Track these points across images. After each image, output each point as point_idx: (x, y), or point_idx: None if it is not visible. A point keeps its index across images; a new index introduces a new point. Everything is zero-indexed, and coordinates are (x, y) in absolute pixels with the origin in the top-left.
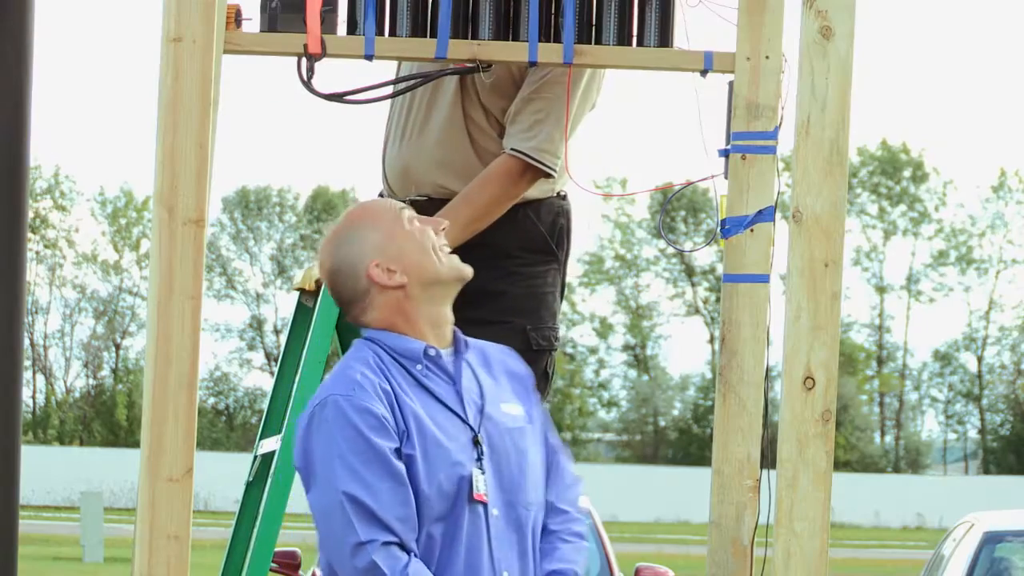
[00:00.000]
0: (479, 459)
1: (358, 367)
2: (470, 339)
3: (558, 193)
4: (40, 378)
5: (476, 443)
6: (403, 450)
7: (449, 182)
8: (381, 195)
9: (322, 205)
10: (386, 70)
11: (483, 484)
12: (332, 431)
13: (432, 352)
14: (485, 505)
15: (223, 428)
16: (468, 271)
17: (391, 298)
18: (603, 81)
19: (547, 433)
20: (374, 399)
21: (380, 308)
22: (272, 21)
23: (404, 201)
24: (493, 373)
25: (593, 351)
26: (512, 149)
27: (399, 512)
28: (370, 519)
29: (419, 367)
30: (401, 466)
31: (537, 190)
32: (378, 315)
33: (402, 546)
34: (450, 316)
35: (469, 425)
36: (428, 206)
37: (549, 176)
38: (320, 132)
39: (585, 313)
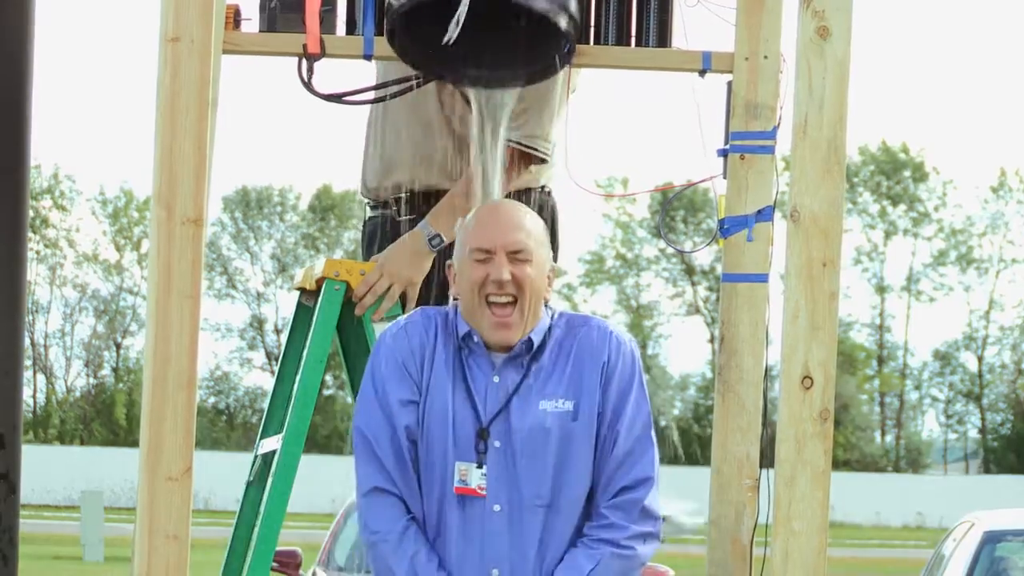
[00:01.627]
0: (482, 452)
1: (419, 314)
2: (576, 321)
3: (542, 187)
4: (40, 378)
5: (481, 436)
6: (419, 404)
7: (431, 176)
8: (367, 204)
9: (325, 204)
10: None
11: (478, 478)
12: (371, 365)
13: (475, 339)
14: (482, 499)
15: (223, 428)
16: (496, 341)
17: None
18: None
19: (613, 429)
20: (405, 348)
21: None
22: (271, 21)
23: (388, 199)
24: (562, 364)
25: None
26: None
27: (397, 463)
28: (372, 458)
29: (464, 350)
30: (407, 419)
31: (521, 181)
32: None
33: (401, 500)
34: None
35: (479, 418)
36: (411, 200)
37: (543, 161)
38: (321, 132)
39: (586, 313)
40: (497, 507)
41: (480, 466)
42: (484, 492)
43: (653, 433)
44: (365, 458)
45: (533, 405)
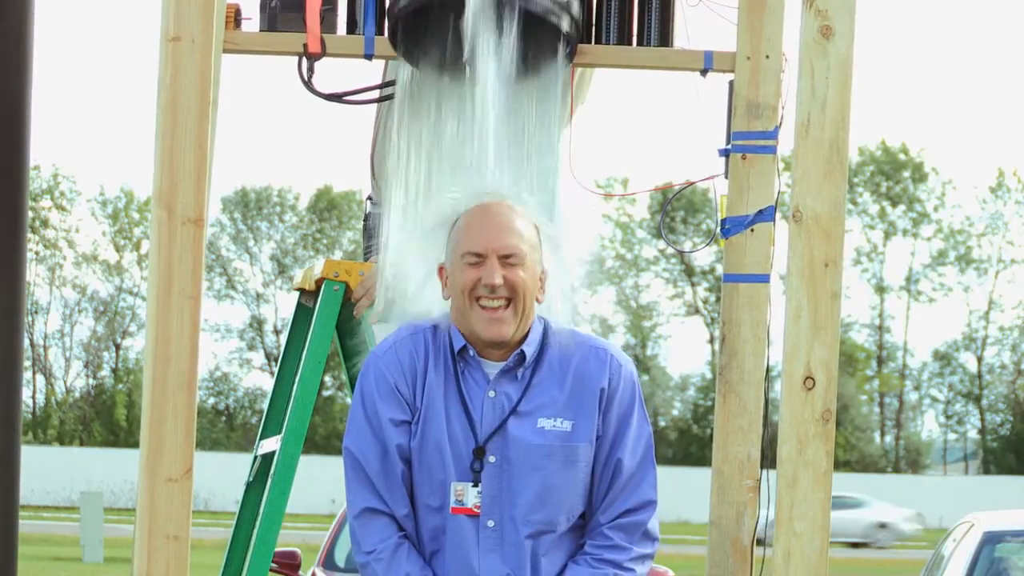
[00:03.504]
0: (478, 470)
1: (407, 331)
2: (573, 341)
3: None
4: (40, 378)
5: (478, 454)
6: (412, 426)
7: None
8: (369, 198)
9: (325, 205)
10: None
11: (474, 497)
12: (360, 385)
13: (470, 353)
14: (476, 517)
15: (223, 428)
16: (490, 336)
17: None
18: (593, 77)
19: (615, 452)
20: (395, 367)
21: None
22: (272, 20)
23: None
24: (559, 384)
25: None
26: None
27: (387, 483)
28: (363, 479)
29: (460, 363)
30: (399, 439)
31: None
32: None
33: (393, 519)
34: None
35: (475, 435)
36: None
37: None
38: (321, 132)
39: (585, 314)
40: (491, 523)
41: (476, 484)
42: (479, 511)
43: (654, 455)
44: (356, 479)
45: (531, 422)
